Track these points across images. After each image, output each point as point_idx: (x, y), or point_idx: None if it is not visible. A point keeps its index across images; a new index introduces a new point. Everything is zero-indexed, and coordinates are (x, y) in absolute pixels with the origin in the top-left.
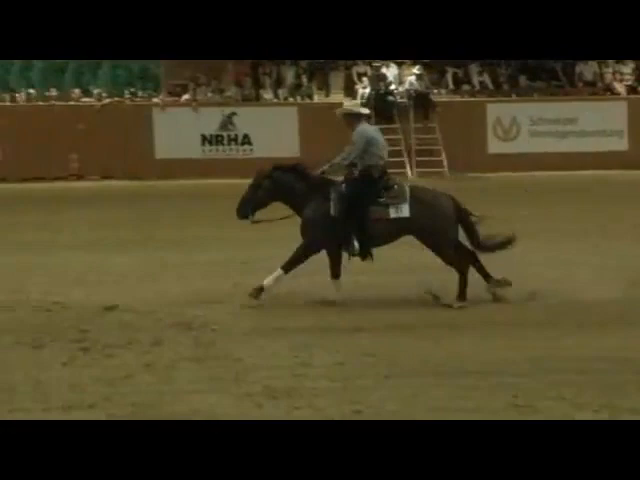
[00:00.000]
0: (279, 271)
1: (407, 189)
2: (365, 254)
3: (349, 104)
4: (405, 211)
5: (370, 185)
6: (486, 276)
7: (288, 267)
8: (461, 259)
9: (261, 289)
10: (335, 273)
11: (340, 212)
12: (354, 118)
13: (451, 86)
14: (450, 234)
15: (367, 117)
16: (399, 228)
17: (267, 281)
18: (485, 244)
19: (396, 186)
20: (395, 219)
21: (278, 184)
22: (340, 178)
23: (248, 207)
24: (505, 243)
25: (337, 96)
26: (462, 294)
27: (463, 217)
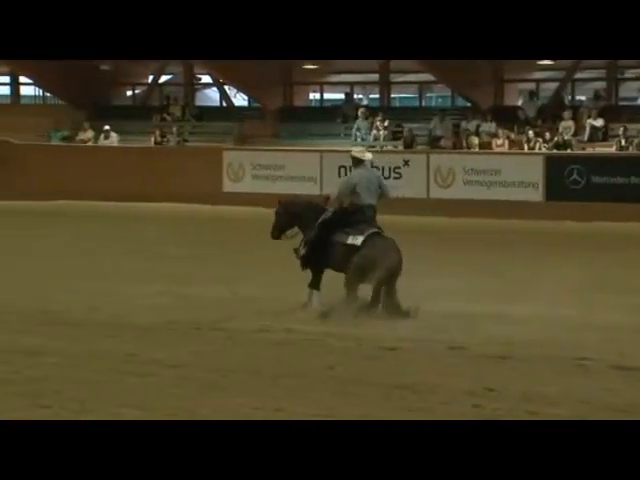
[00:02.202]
0: (307, 290)
1: (371, 229)
2: (313, 267)
3: (355, 149)
4: (358, 241)
5: (343, 217)
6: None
7: (312, 285)
8: (354, 295)
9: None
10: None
11: (315, 234)
12: (355, 161)
13: None
14: (365, 276)
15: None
16: (349, 252)
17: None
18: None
19: (364, 225)
20: (349, 244)
21: (287, 212)
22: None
23: (275, 231)
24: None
25: None
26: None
27: (390, 278)
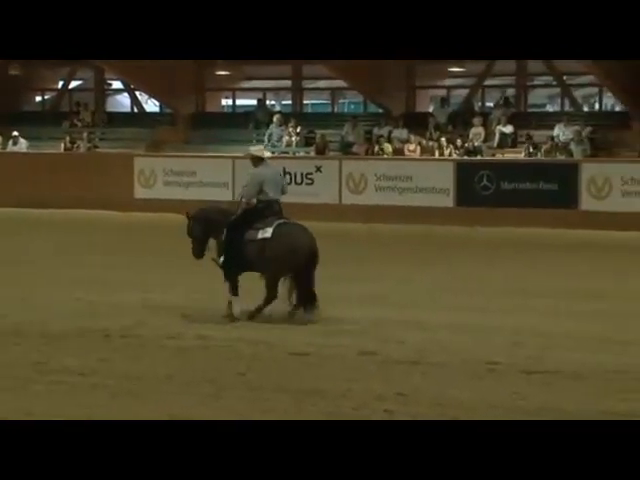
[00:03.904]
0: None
1: (278, 220)
2: (229, 273)
3: (254, 148)
4: (268, 233)
5: (250, 215)
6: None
7: (231, 292)
8: (275, 291)
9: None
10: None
11: (225, 235)
12: (255, 160)
13: None
14: (287, 265)
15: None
16: (262, 247)
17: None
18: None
19: (271, 217)
20: (260, 239)
21: (200, 222)
22: None
23: (196, 247)
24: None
25: None
26: (252, 314)
27: (310, 261)
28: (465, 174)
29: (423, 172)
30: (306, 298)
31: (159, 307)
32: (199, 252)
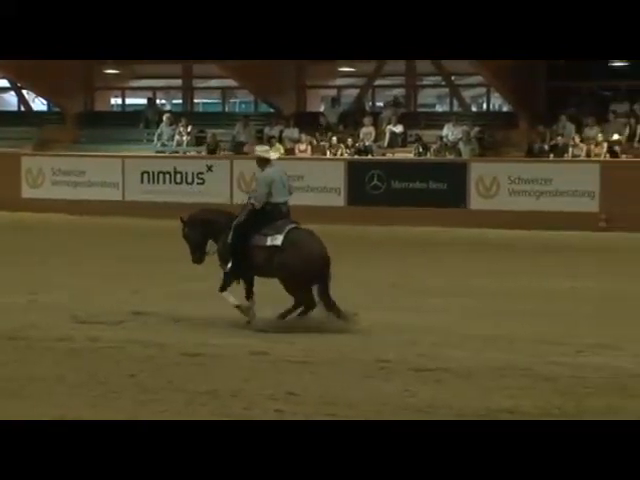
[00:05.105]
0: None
1: (288, 225)
2: (236, 276)
3: (260, 149)
4: (278, 241)
5: (256, 218)
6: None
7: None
8: (309, 297)
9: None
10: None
11: (231, 239)
12: (262, 162)
13: None
14: (303, 278)
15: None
16: (271, 255)
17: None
18: (329, 304)
19: (280, 221)
20: (269, 246)
21: (196, 225)
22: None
23: (196, 252)
24: (341, 315)
25: None
26: (281, 317)
27: (324, 270)
28: (356, 173)
29: (314, 171)
30: (331, 304)
31: (47, 308)
32: (199, 257)
